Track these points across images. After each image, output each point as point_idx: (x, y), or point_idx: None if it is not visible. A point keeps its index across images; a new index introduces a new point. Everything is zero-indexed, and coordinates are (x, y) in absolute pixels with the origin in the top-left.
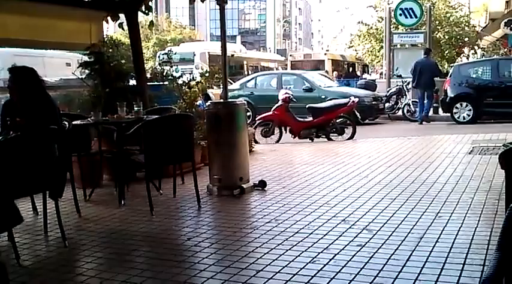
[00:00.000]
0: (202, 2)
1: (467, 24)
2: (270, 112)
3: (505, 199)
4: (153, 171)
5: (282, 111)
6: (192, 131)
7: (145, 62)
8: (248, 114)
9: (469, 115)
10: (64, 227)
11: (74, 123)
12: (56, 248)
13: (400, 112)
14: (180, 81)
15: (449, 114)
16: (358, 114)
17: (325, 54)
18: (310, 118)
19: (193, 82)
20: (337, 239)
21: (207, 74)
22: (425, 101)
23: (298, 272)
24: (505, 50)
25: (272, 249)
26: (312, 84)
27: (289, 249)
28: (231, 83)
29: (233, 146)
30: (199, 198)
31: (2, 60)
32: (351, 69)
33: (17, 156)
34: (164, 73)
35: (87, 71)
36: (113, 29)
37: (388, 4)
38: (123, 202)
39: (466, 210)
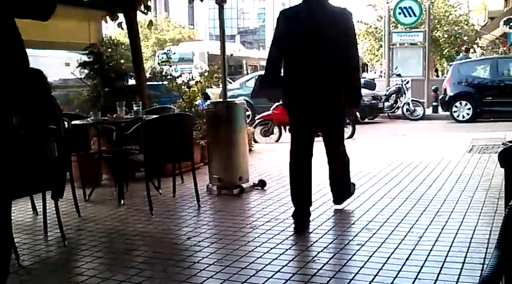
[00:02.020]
0: (202, 2)
1: (466, 22)
2: (270, 112)
3: (505, 197)
4: (152, 171)
5: (281, 110)
6: (192, 131)
7: (144, 61)
8: (248, 113)
9: (468, 114)
10: (64, 227)
11: (73, 122)
12: (55, 248)
13: (399, 112)
14: (179, 81)
15: (448, 113)
16: (357, 113)
17: None
18: None
19: (192, 82)
20: (336, 238)
21: (206, 74)
22: None
23: (297, 271)
24: (504, 48)
25: (272, 248)
26: None
27: (289, 248)
28: (231, 83)
29: (233, 145)
30: (199, 197)
31: None
32: None
33: (17, 156)
34: (163, 73)
35: (86, 71)
36: (112, 29)
37: (387, 3)
38: (122, 202)
39: (466, 209)
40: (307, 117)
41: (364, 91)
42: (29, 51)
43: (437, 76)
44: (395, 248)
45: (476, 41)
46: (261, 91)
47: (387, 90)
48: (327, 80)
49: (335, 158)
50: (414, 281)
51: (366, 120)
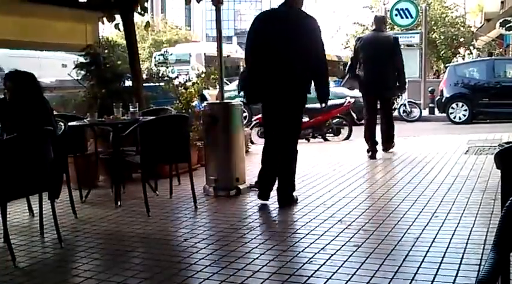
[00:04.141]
0: (198, 3)
1: (462, 24)
2: None
3: (501, 198)
4: (149, 172)
5: None
6: (188, 132)
7: (141, 62)
8: (244, 114)
9: (464, 116)
10: (60, 228)
11: (69, 124)
12: (52, 249)
13: (396, 113)
14: (176, 82)
15: (445, 114)
16: (354, 115)
17: None
18: (307, 119)
19: (189, 83)
20: (333, 239)
21: (203, 75)
22: None
23: (294, 272)
24: (500, 50)
25: (268, 250)
26: None
27: (286, 250)
28: (228, 84)
29: (229, 147)
30: (196, 198)
31: None
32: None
33: (13, 157)
34: (160, 74)
35: (83, 72)
36: (109, 30)
37: (384, 4)
38: (119, 203)
39: (462, 210)
40: (373, 95)
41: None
42: (26, 52)
43: (438, 77)
44: (392, 250)
45: (472, 43)
46: (346, 83)
47: None
48: (384, 74)
49: (387, 119)
50: (411, 283)
51: (363, 122)
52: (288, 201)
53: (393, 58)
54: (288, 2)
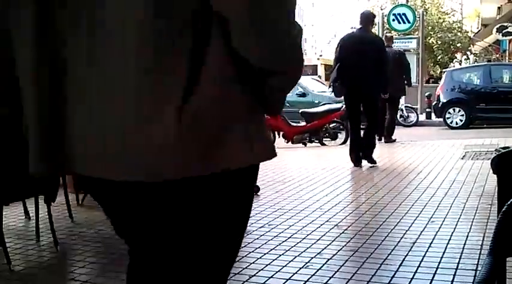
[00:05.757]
0: None
1: (459, 29)
2: None
3: (497, 204)
4: None
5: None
6: None
7: None
8: None
9: (461, 121)
10: (56, 232)
11: None
12: (48, 253)
13: None
14: None
15: (442, 119)
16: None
17: (318, 59)
18: (304, 123)
19: None
20: (330, 244)
21: None
22: None
23: (291, 277)
24: (497, 55)
25: (265, 254)
26: (305, 89)
27: (282, 254)
28: None
29: None
30: None
31: None
32: None
33: (8, 160)
34: None
35: None
36: None
37: (381, 9)
38: None
39: (459, 215)
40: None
41: None
42: None
43: (435, 82)
44: (389, 255)
45: (469, 48)
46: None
47: None
48: (391, 79)
49: (391, 116)
50: None
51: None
52: (373, 160)
53: (400, 69)
54: (363, 28)
